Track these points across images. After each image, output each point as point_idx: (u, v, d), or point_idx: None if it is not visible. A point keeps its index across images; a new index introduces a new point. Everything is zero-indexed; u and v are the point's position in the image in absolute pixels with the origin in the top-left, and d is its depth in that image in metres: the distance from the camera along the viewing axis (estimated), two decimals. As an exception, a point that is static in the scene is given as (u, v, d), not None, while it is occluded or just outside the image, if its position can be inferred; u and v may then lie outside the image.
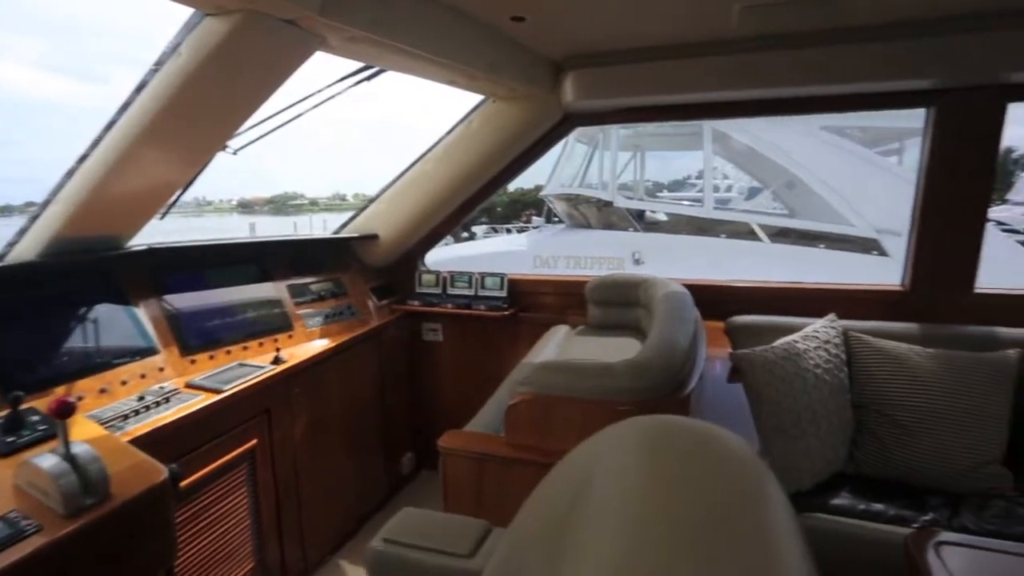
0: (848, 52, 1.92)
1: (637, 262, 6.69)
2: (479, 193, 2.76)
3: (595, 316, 2.47)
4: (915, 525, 1.63)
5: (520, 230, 13.17)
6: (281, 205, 46.37)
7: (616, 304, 2.41)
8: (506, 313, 2.66)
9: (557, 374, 1.31)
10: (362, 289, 2.76)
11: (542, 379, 1.30)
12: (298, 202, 46.43)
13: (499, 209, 23.73)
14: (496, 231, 14.56)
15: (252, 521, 1.91)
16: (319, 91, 1.93)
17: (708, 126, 6.92)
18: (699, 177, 8.10)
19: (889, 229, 6.21)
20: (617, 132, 7.61)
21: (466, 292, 2.82)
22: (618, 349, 1.98)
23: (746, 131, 6.80)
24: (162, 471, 1.11)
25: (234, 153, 1.91)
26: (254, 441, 1.89)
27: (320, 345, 2.28)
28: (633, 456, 0.51)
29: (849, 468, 1.87)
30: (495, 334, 2.83)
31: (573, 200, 8.17)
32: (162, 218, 1.93)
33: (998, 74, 1.94)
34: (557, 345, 2.28)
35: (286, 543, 2.06)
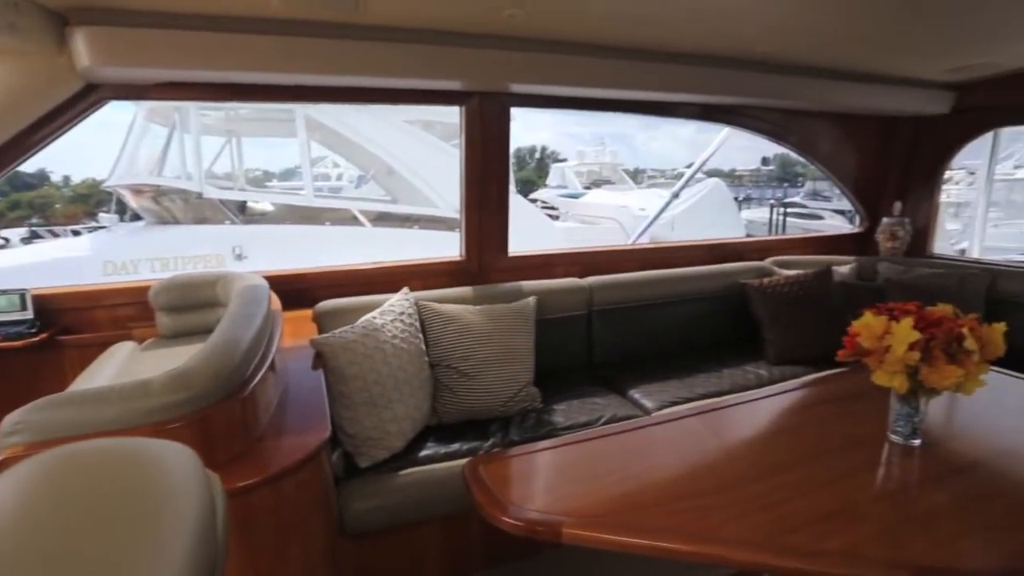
0: (386, 49, 2.09)
1: (239, 257, 6.15)
2: None
3: (166, 325, 2.12)
4: (481, 452, 1.97)
5: (92, 231, 10.45)
6: None
7: (191, 308, 2.12)
8: (35, 340, 2.04)
9: (64, 410, 1.02)
10: None
11: (41, 422, 1.00)
12: None
13: (58, 206, 18.33)
14: (56, 235, 11.24)
15: None
16: None
17: (300, 112, 6.81)
18: (312, 166, 7.93)
19: None
20: (197, 114, 6.74)
21: (-38, 322, 2.03)
22: None
23: (341, 121, 6.97)
24: None
25: None
26: None
27: None
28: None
29: (433, 421, 2.13)
30: (26, 370, 2.13)
31: (152, 192, 6.89)
32: None
33: (506, 84, 2.44)
34: (115, 367, 1.87)
35: None
